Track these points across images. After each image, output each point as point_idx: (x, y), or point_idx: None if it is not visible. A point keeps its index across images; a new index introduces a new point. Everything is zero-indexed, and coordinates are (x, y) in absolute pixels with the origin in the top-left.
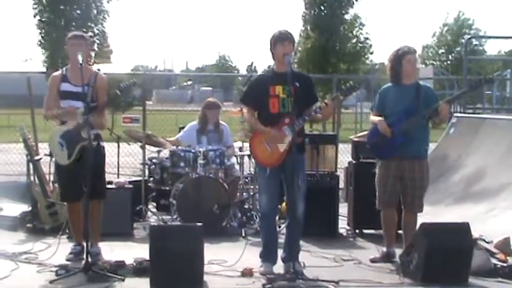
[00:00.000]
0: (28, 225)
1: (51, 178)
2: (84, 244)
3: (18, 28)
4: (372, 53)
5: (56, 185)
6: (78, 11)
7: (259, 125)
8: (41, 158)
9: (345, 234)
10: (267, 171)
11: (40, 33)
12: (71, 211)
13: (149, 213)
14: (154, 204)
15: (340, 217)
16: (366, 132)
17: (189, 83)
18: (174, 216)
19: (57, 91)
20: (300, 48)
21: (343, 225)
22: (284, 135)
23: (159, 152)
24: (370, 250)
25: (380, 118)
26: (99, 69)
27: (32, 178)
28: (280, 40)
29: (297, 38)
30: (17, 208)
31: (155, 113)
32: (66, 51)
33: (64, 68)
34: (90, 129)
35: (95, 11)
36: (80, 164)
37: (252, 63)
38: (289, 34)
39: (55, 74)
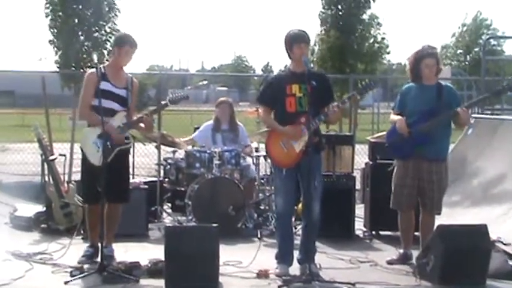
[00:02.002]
0: (42, 225)
1: (66, 178)
2: (99, 246)
3: (32, 26)
4: (388, 53)
5: (71, 185)
6: (90, 10)
7: (276, 123)
8: (55, 158)
9: (361, 235)
10: (283, 171)
11: (52, 33)
12: (92, 213)
13: (164, 214)
14: (170, 205)
15: (356, 218)
16: (383, 133)
17: (205, 82)
18: (190, 217)
19: (94, 89)
20: (316, 48)
21: (359, 227)
22: (301, 132)
23: (174, 152)
24: (387, 252)
25: (400, 117)
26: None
27: (46, 178)
28: (297, 42)
29: (313, 38)
30: (31, 208)
31: (170, 113)
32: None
33: (101, 66)
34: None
35: (106, 9)
36: (109, 167)
37: (268, 63)
38: (306, 35)
39: (92, 71)
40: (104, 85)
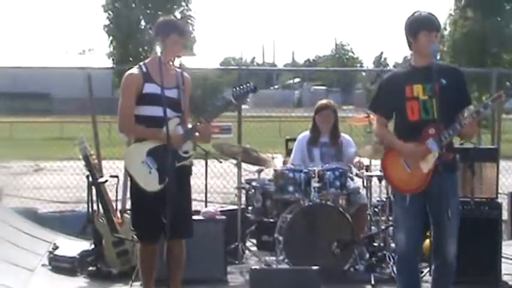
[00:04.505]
0: (90, 268)
1: (119, 206)
2: None
3: (74, 11)
4: None
5: (126, 215)
6: None
7: (394, 138)
8: (106, 181)
9: (510, 282)
10: (407, 198)
11: (108, 17)
12: (147, 252)
13: (247, 253)
14: (254, 241)
15: (503, 259)
16: None
17: (297, 80)
18: (281, 257)
19: (136, 95)
20: (447, 33)
21: (508, 271)
22: (428, 150)
23: (259, 172)
24: None
25: None
26: (181, 65)
27: (94, 206)
28: (426, 29)
29: (443, 20)
30: (75, 246)
31: (252, 120)
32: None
33: (141, 64)
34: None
35: None
36: (167, 191)
37: (382, 54)
38: (437, 21)
39: (132, 72)
40: (149, 88)
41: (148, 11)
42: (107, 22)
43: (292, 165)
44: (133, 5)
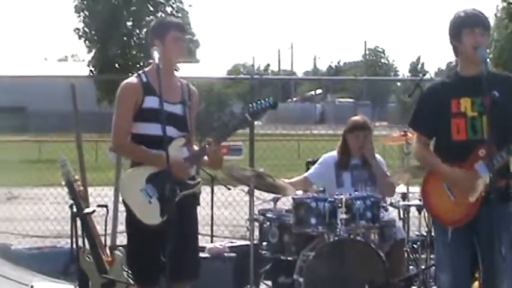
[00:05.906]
0: None
1: (109, 242)
2: None
3: (56, 12)
4: None
5: (117, 252)
6: None
7: (438, 161)
8: (93, 211)
9: None
10: (449, 233)
11: (83, 18)
12: None
13: None
14: (269, 283)
15: None
16: None
17: (319, 92)
18: None
19: (135, 109)
20: (495, 36)
21: None
22: (477, 176)
23: (275, 200)
24: None
25: None
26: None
27: (80, 242)
28: (469, 26)
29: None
30: None
31: (267, 138)
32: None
33: (141, 73)
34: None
35: None
36: (168, 225)
37: (419, 59)
38: (483, 17)
39: (131, 81)
40: (150, 101)
41: (132, 8)
42: (81, 25)
43: (310, 183)
44: (115, 1)
